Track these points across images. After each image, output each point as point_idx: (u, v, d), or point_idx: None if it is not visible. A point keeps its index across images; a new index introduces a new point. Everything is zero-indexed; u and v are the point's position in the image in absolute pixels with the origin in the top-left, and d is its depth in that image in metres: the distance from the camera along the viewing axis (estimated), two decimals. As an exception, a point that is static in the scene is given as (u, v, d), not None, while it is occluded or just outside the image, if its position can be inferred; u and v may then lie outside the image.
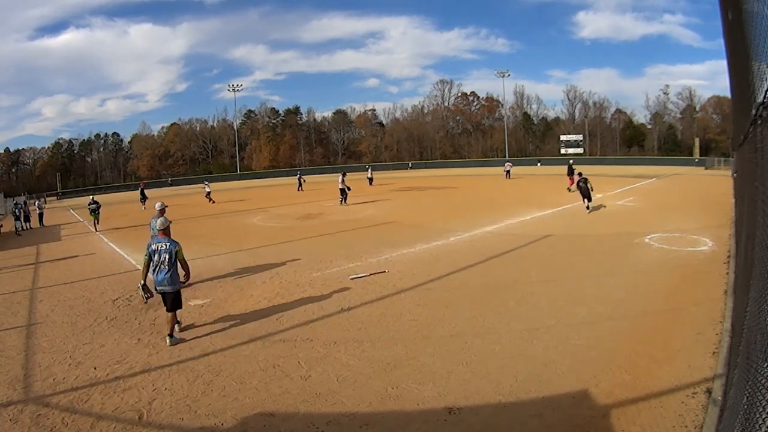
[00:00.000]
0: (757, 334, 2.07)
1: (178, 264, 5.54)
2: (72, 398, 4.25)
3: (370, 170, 33.35)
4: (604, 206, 16.03)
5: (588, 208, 14.76)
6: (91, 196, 18.50)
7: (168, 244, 5.50)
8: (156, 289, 5.55)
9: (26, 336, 5.99)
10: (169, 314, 5.47)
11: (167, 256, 5.43)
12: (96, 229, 16.69)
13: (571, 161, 23.62)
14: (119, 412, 3.98)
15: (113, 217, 20.74)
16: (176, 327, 5.69)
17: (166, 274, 5.43)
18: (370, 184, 30.41)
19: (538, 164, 51.14)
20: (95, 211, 16.96)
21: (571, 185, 21.09)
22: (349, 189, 19.84)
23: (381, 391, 4.14)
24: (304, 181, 32.30)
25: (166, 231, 5.81)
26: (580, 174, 15.74)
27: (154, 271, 5.50)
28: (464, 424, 3.60)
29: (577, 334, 5.14)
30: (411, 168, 58.77)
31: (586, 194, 14.74)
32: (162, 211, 7.59)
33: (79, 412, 3.99)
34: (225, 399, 4.12)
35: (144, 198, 25.31)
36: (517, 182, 30.58)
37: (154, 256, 5.48)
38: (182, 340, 5.54)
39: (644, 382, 4.04)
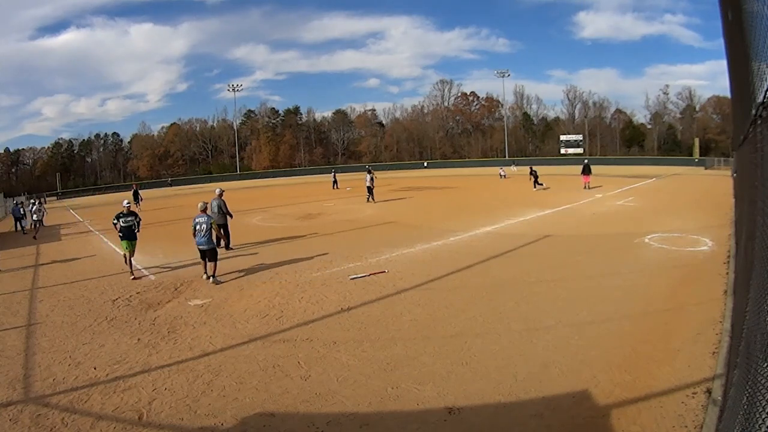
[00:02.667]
0: (757, 334, 2.07)
1: (212, 231, 8.14)
2: (72, 398, 4.25)
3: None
4: (604, 206, 16.03)
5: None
6: (124, 204, 9.75)
7: (206, 218, 8.12)
8: (198, 248, 8.07)
9: (26, 336, 5.99)
10: (210, 263, 8.07)
11: (205, 226, 8.00)
12: (131, 268, 9.00)
13: (586, 160, 24.14)
14: (119, 412, 3.98)
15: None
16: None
17: (204, 237, 7.99)
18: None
19: (513, 166, 45.21)
20: (131, 231, 9.16)
21: (587, 182, 22.14)
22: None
23: (381, 391, 4.14)
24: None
25: (205, 210, 8.38)
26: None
27: (195, 236, 8.03)
28: (464, 424, 3.60)
29: (577, 334, 5.14)
30: (426, 167, 58.24)
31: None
32: (220, 195, 10.69)
33: (79, 412, 3.99)
34: (225, 399, 4.12)
35: (138, 199, 25.21)
36: (516, 182, 30.55)
37: (196, 226, 8.02)
38: (221, 282, 8.04)
39: (644, 382, 4.04)
